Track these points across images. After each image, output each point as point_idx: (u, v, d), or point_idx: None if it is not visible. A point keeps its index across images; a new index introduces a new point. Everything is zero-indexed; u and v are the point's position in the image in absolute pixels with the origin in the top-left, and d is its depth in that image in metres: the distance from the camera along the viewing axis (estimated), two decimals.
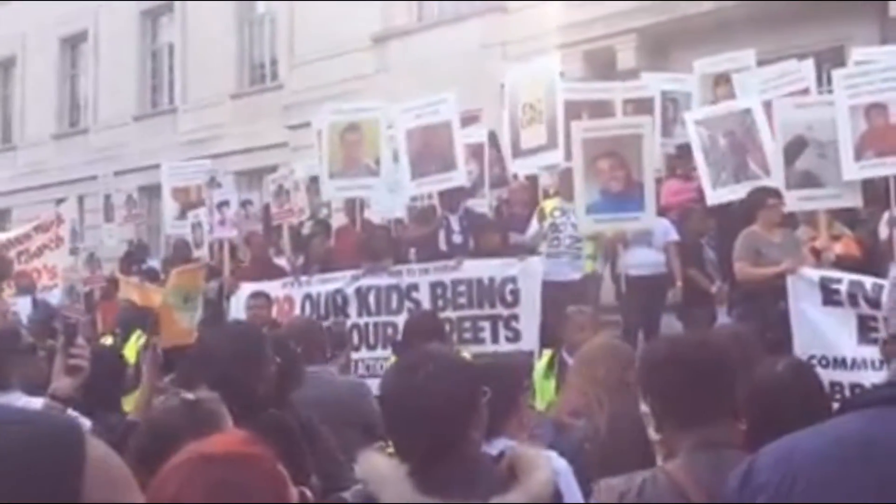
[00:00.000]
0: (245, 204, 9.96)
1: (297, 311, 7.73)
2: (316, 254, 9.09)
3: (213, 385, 2.62)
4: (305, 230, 10.18)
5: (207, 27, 18.03)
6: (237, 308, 7.77)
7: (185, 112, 18.88)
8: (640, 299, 7.44)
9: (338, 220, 10.30)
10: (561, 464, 2.44)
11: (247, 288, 7.89)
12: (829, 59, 8.87)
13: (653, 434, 2.01)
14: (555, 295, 7.09)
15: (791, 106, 7.41)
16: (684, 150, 8.49)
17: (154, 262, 12.03)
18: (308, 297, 7.84)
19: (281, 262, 9.34)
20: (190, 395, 2.23)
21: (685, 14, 11.28)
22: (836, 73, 7.30)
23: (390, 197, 9.15)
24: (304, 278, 8.09)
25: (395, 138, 8.81)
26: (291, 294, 7.92)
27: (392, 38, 15.06)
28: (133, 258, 12.30)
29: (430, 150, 8.41)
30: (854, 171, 6.91)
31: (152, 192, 15.79)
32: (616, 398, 2.90)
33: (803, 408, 2.21)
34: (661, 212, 7.88)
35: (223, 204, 9.82)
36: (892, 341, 1.44)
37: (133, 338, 7.67)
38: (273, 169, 12.79)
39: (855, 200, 7.11)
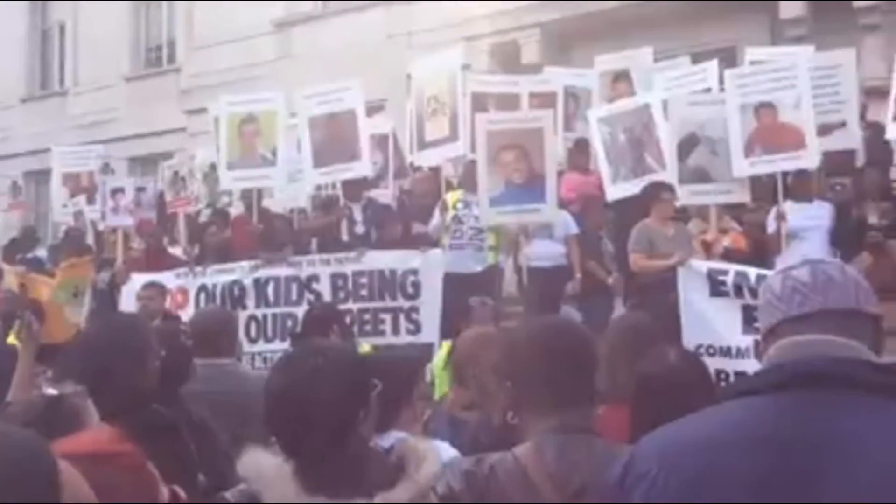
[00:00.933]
0: (139, 191, 9.60)
1: (192, 302, 7.51)
2: (212, 244, 8.86)
3: (91, 378, 2.50)
4: (202, 219, 9.91)
5: (101, 6, 17.31)
6: (128, 299, 7.49)
7: (77, 94, 18.14)
8: (540, 290, 7.53)
9: (237, 209, 10.07)
10: (451, 455, 2.43)
11: (138, 278, 7.61)
12: (722, 59, 9.17)
13: (510, 418, 1.99)
14: (458, 286, 7.11)
15: (685, 103, 7.65)
16: (582, 144, 8.64)
17: (41, 252, 11.49)
18: (203, 288, 7.62)
19: (176, 251, 9.07)
20: (53, 391, 2.11)
21: (587, 11, 11.47)
22: (728, 73, 7.57)
23: (292, 186, 9.00)
24: (199, 269, 7.86)
25: (297, 126, 8.66)
26: (185, 285, 7.67)
27: (295, 24, 14.80)
28: (18, 247, 11.71)
29: (333, 139, 8.29)
30: (744, 167, 7.18)
31: (39, 177, 15.08)
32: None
33: (690, 397, 2.25)
34: (562, 205, 8.00)
35: (117, 191, 9.46)
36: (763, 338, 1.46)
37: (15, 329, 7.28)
38: (169, 155, 12.41)
39: (743, 196, 7.40)
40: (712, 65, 8.47)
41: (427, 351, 6.47)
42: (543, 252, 7.66)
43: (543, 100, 8.91)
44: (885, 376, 1.31)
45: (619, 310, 7.27)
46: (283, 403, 1.88)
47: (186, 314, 6.82)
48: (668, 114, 7.69)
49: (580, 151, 8.69)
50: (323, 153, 8.27)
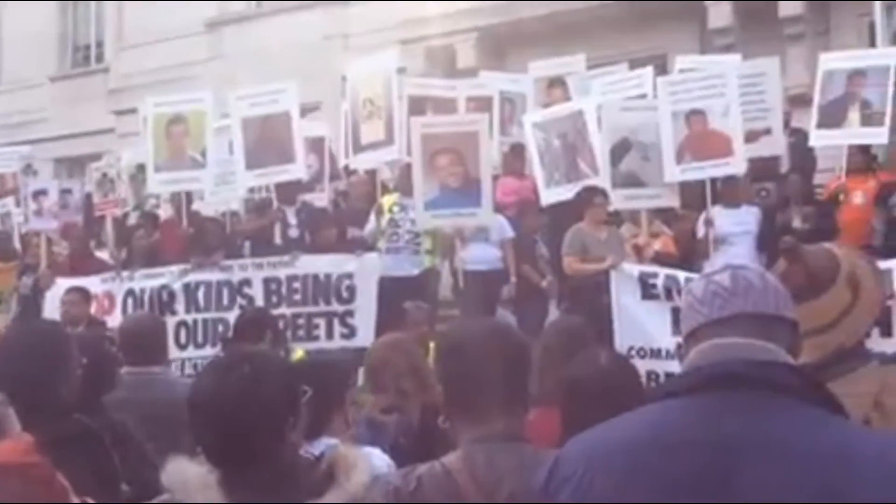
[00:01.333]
0: (65, 193, 9.31)
1: (119, 307, 7.31)
2: (140, 247, 8.65)
3: (10, 386, 2.39)
4: (130, 222, 9.67)
5: (28, 3, 16.77)
6: (52, 305, 7.25)
7: (1, 94, 17.52)
8: (476, 294, 7.55)
9: (165, 211, 9.85)
10: (383, 462, 2.40)
11: (63, 283, 7.38)
12: (655, 66, 9.34)
13: (441, 422, 1.97)
14: (394, 290, 7.09)
15: (618, 109, 7.78)
16: (518, 149, 8.71)
17: None
18: (130, 292, 7.43)
19: (103, 255, 8.82)
20: None
21: (521, 17, 11.56)
22: (660, 80, 7.72)
23: (224, 188, 8.84)
24: (126, 273, 7.66)
25: (228, 127, 8.51)
26: (112, 290, 7.47)
27: (228, 24, 14.57)
28: None
29: (267, 141, 8.19)
30: (675, 173, 7.33)
31: None
32: (425, 391, 2.91)
33: (621, 399, 2.26)
34: (498, 209, 8.04)
35: (40, 193, 9.16)
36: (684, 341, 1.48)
37: None
38: (97, 156, 12.06)
39: (673, 200, 7.54)
40: (647, 71, 8.62)
41: (361, 356, 6.40)
42: (479, 256, 7.68)
43: (480, 104, 8.95)
44: (801, 379, 1.34)
45: (554, 313, 7.34)
46: (208, 411, 1.83)
47: (113, 320, 6.66)
48: (601, 119, 7.80)
49: (516, 156, 8.75)
50: (256, 155, 8.16)
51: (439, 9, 11.90)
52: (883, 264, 5.30)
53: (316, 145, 9.31)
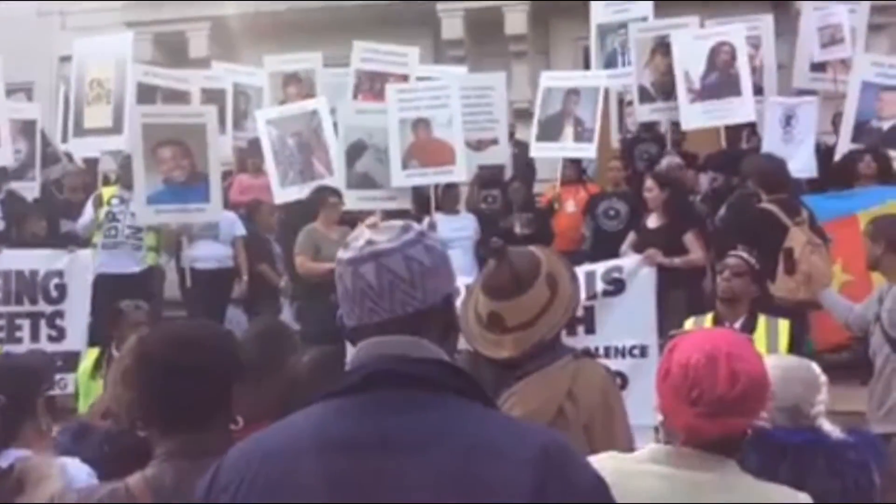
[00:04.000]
0: None
1: None
2: None
3: None
4: None
5: None
6: None
7: None
8: (205, 293, 7.26)
9: None
10: (80, 471, 2.20)
11: None
12: None
13: (140, 429, 1.83)
14: (112, 288, 6.62)
15: (353, 111, 7.86)
16: (254, 146, 8.50)
17: None
18: None
19: None
20: None
21: (258, 10, 11.31)
22: (389, 87, 7.91)
23: None
24: None
25: None
26: None
27: None
28: None
29: None
30: (401, 178, 7.58)
31: None
32: None
33: None
34: (233, 206, 7.78)
35: None
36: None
37: None
38: None
39: (406, 203, 7.74)
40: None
41: (71, 360, 5.93)
42: (209, 253, 7.39)
43: (211, 96, 8.63)
44: (453, 373, 1.37)
45: (287, 312, 7.24)
46: None
47: None
48: (336, 120, 7.82)
49: (253, 152, 8.51)
50: None
51: None
52: (589, 267, 5.87)
53: (26, 128, 8.46)
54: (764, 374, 1.72)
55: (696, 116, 8.17)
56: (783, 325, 4.10)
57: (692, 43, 8.32)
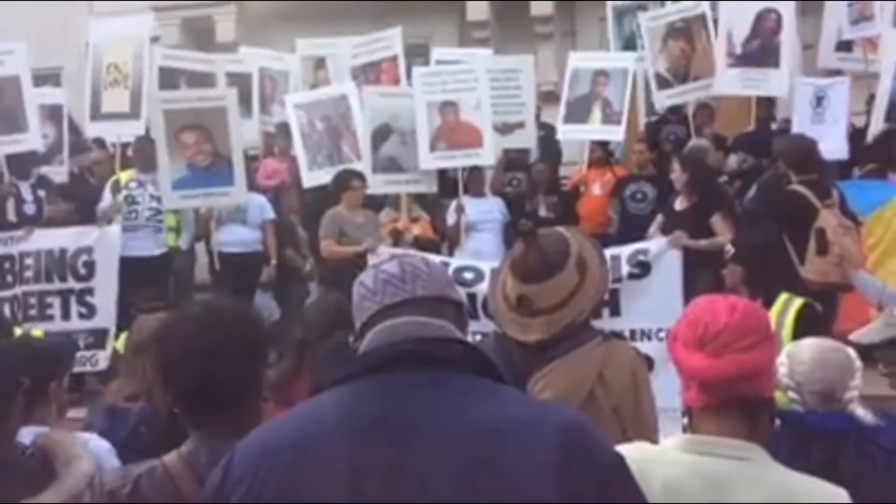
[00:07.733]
0: None
1: None
2: None
3: None
4: None
5: None
6: None
7: None
8: (232, 277, 7.29)
9: None
10: (101, 447, 2.24)
11: None
12: (416, 54, 9.49)
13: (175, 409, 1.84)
14: (132, 271, 6.67)
15: (377, 95, 7.83)
16: (282, 130, 8.51)
17: None
18: None
19: None
20: None
21: None
22: (416, 71, 7.89)
23: None
24: None
25: None
26: None
27: None
28: None
29: None
30: (429, 160, 7.53)
31: None
32: None
33: None
34: (260, 190, 7.80)
35: None
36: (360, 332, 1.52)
37: None
38: None
39: (432, 186, 7.73)
40: (396, 32, 8.69)
41: (101, 337, 6.00)
42: (237, 237, 7.40)
43: (238, 80, 8.63)
44: (471, 353, 1.40)
45: (314, 296, 7.26)
46: None
47: None
48: (362, 104, 7.81)
49: (282, 136, 8.52)
50: None
51: None
52: (614, 250, 5.82)
53: (53, 113, 8.52)
54: (762, 310, 1.84)
55: (730, 82, 8.12)
56: (797, 302, 3.98)
57: (741, 4, 8.21)
